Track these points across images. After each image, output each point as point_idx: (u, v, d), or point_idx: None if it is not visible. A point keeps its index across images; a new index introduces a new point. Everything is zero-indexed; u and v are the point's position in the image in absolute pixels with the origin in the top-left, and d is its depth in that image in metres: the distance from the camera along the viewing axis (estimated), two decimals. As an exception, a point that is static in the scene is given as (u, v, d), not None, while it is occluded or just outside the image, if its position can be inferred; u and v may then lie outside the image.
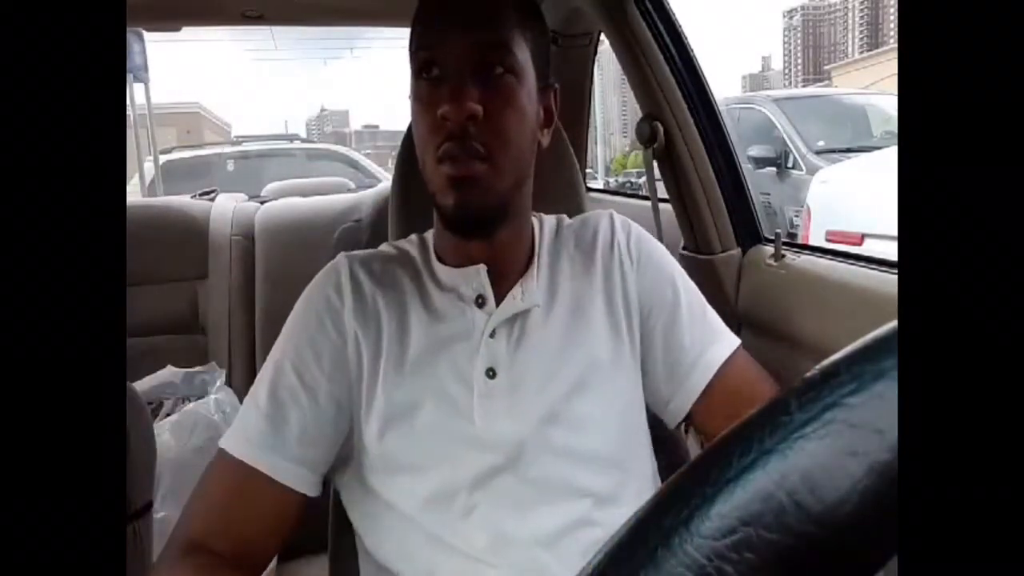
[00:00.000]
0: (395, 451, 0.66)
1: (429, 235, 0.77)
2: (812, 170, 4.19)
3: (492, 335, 0.69)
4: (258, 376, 0.69)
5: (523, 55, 0.66)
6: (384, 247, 0.78)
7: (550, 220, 0.79)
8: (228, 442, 0.66)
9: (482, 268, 0.70)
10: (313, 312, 0.70)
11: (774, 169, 4.85)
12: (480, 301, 0.70)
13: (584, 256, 0.75)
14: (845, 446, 0.18)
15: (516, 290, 0.71)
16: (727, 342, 0.75)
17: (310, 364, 0.67)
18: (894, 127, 4.94)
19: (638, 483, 0.71)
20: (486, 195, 0.66)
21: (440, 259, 0.74)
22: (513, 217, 0.71)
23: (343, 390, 0.67)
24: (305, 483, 0.66)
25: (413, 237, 0.78)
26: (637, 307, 0.74)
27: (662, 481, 0.62)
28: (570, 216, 0.81)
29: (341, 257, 0.73)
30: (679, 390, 0.74)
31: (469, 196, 0.65)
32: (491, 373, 0.68)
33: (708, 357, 0.73)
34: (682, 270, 0.78)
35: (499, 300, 0.70)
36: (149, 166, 3.89)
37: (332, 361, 0.68)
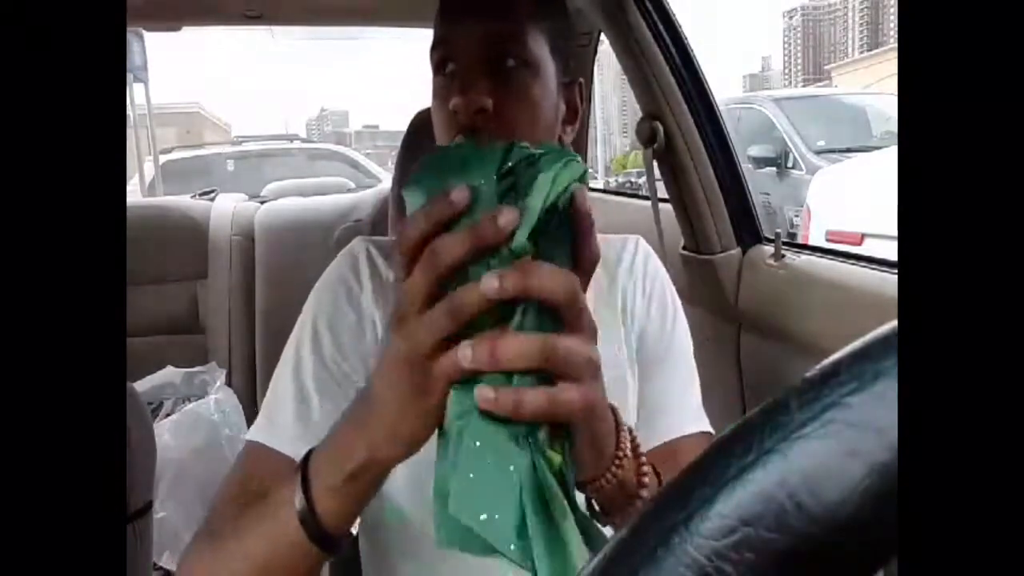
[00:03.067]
0: None
1: None
2: (812, 170, 4.20)
3: None
4: (278, 366, 0.68)
5: (538, 47, 0.65)
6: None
7: None
8: (256, 433, 0.64)
9: None
10: (330, 294, 0.69)
11: (774, 169, 4.86)
12: None
13: (609, 277, 0.75)
14: (845, 446, 0.18)
15: None
16: (702, 422, 0.71)
17: (329, 346, 0.66)
18: (894, 127, 4.94)
19: None
20: None
21: None
22: None
23: (360, 374, 0.66)
24: None
25: None
26: (637, 331, 0.73)
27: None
28: None
29: (358, 242, 0.73)
30: (643, 427, 0.69)
31: None
32: None
33: (681, 417, 0.70)
34: (684, 318, 0.76)
35: None
36: (149, 166, 3.90)
37: (350, 341, 0.67)
